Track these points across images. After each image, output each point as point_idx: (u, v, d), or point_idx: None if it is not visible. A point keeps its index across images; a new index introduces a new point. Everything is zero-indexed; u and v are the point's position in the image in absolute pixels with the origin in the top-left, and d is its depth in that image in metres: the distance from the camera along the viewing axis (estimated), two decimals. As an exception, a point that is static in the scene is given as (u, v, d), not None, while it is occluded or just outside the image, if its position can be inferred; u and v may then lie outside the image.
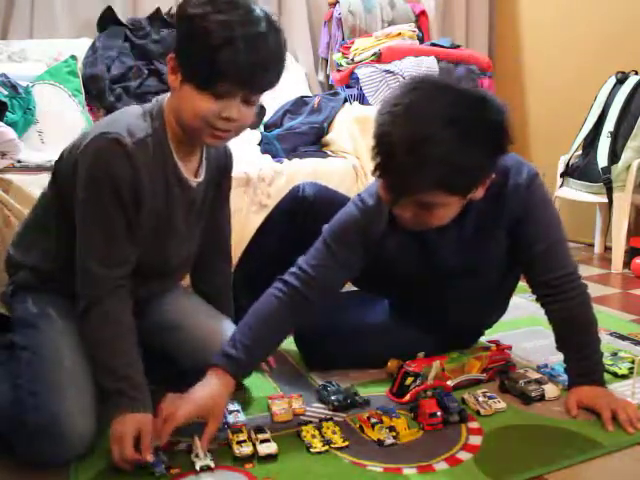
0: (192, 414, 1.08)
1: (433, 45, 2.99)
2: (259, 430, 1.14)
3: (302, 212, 1.52)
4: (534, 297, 1.33)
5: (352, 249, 1.27)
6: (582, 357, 1.27)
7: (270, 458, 1.09)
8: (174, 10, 2.68)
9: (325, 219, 1.32)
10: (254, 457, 1.09)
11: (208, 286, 1.44)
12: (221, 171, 1.33)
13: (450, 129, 1.04)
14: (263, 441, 1.11)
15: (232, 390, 1.16)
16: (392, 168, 1.09)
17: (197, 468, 1.05)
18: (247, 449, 1.09)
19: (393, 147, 1.06)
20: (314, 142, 2.45)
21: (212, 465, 1.06)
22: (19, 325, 1.20)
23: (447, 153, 1.04)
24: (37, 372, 1.11)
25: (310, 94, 2.85)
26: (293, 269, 1.26)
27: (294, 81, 2.97)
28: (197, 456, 1.07)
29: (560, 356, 1.32)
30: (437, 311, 1.42)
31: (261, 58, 1.05)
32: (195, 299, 1.43)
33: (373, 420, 1.19)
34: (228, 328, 1.32)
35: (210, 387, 1.12)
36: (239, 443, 1.11)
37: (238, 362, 1.16)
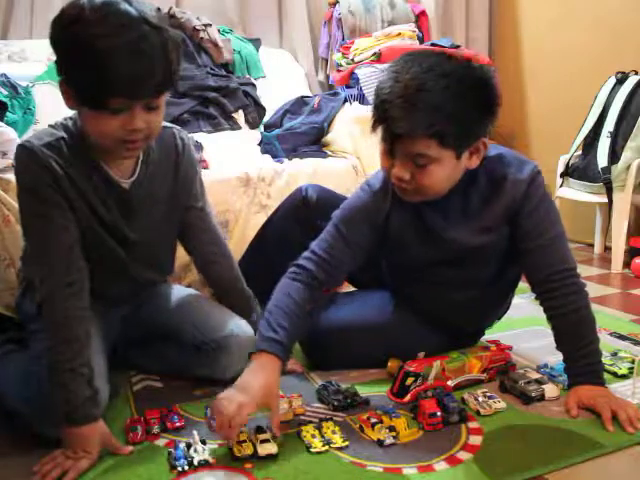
0: (252, 411, 1.10)
1: (433, 45, 2.99)
2: (259, 430, 1.14)
3: (305, 213, 1.53)
4: (534, 297, 1.33)
5: (361, 232, 1.32)
6: (581, 356, 1.27)
7: (270, 458, 1.09)
8: (174, 10, 2.69)
9: (327, 220, 1.35)
10: (254, 457, 1.09)
11: (210, 280, 1.47)
12: (172, 166, 1.29)
13: (442, 80, 1.13)
14: (263, 441, 1.11)
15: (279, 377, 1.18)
16: (388, 113, 1.15)
17: (195, 463, 1.06)
18: (247, 449, 1.10)
19: (389, 95, 1.15)
20: (314, 142, 2.44)
21: (210, 460, 1.07)
22: (30, 318, 1.26)
23: (438, 100, 1.12)
24: None
25: (310, 94, 2.84)
26: (307, 254, 1.31)
27: (294, 81, 2.97)
28: (195, 451, 1.08)
29: (560, 356, 1.32)
30: (438, 305, 1.43)
31: (145, 64, 1.01)
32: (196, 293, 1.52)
33: (373, 420, 1.19)
34: (235, 316, 1.39)
35: (262, 376, 1.14)
36: (239, 443, 1.11)
37: (283, 345, 1.18)
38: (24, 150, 1.11)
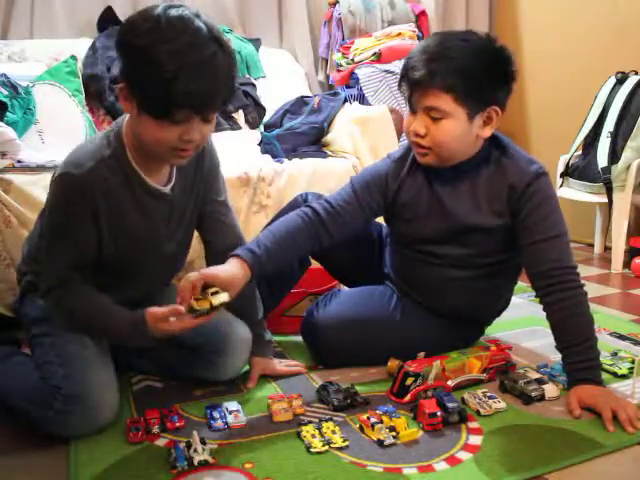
0: (214, 278, 1.17)
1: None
2: (207, 286, 1.17)
3: None
4: (534, 297, 1.33)
5: (372, 195, 1.44)
6: (578, 352, 1.27)
7: (223, 306, 1.17)
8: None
9: None
10: (212, 309, 1.15)
11: None
12: (195, 163, 1.30)
13: (463, 43, 1.27)
14: (214, 293, 1.16)
15: (245, 283, 1.24)
16: (410, 65, 1.29)
17: (195, 463, 1.06)
18: (204, 304, 1.14)
19: (415, 54, 1.30)
20: (314, 142, 2.44)
21: (210, 460, 1.07)
22: (33, 322, 1.27)
23: (455, 56, 1.25)
24: (63, 349, 1.19)
25: (310, 94, 2.85)
26: (321, 201, 1.43)
27: (294, 81, 2.97)
28: (195, 451, 1.07)
29: (560, 356, 1.32)
30: (439, 288, 1.45)
31: (214, 81, 1.06)
32: None
33: (373, 420, 1.19)
34: (242, 323, 1.37)
35: (230, 267, 1.24)
36: (196, 300, 1.15)
37: (259, 260, 1.27)
38: (64, 181, 1.13)
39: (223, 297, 1.16)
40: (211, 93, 1.07)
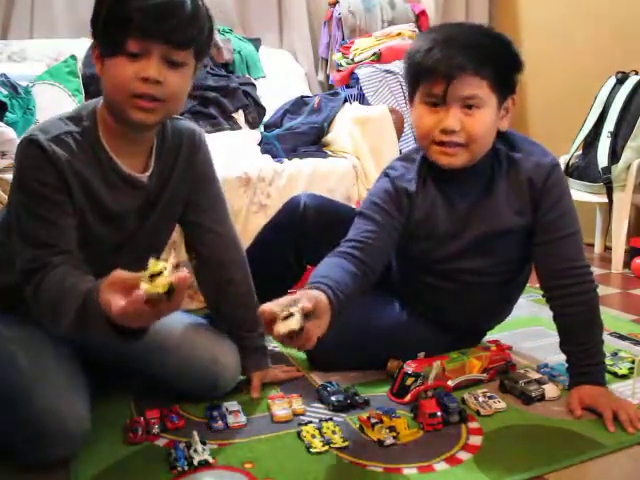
0: (309, 302, 0.96)
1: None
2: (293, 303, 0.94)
3: (303, 225, 1.50)
4: (534, 297, 1.32)
5: (388, 213, 1.30)
6: (588, 355, 1.26)
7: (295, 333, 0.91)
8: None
9: (328, 230, 1.32)
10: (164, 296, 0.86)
11: (223, 306, 1.37)
12: (187, 161, 1.24)
13: (473, 29, 1.24)
14: (286, 317, 0.92)
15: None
16: (433, 59, 1.18)
17: (195, 463, 1.05)
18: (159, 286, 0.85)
19: (430, 44, 1.19)
20: (314, 142, 2.45)
21: (210, 460, 1.07)
22: None
23: (476, 38, 1.20)
24: None
25: (310, 94, 2.85)
26: (344, 244, 1.25)
27: (294, 81, 2.97)
28: (195, 451, 1.07)
29: (560, 356, 1.32)
30: (447, 306, 1.42)
31: (162, 2, 1.01)
32: (189, 316, 1.38)
33: (373, 420, 1.18)
34: (230, 351, 1.31)
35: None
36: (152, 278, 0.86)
37: (340, 301, 1.08)
38: (30, 144, 1.05)
39: (291, 325, 0.91)
40: (160, 13, 1.00)
